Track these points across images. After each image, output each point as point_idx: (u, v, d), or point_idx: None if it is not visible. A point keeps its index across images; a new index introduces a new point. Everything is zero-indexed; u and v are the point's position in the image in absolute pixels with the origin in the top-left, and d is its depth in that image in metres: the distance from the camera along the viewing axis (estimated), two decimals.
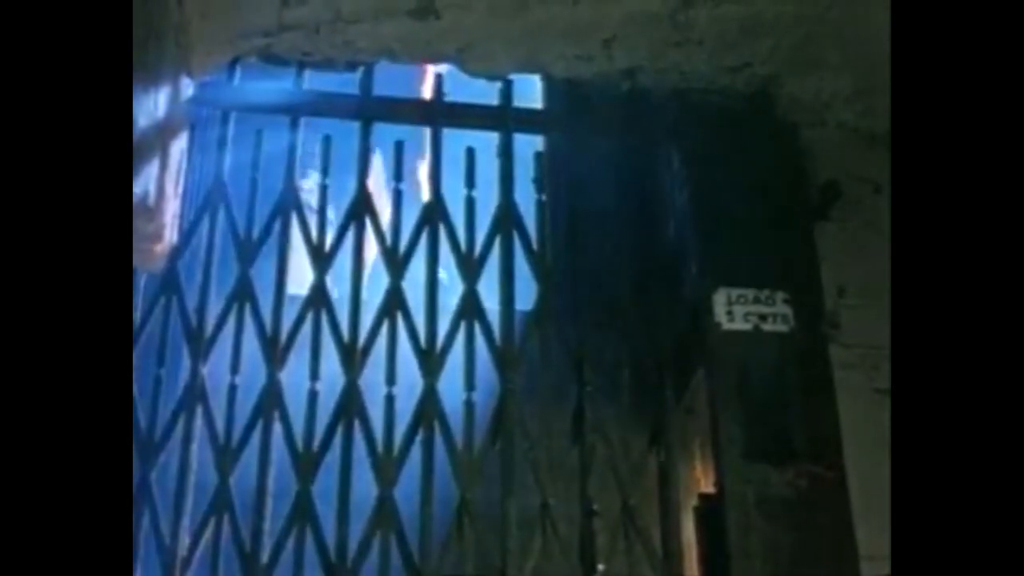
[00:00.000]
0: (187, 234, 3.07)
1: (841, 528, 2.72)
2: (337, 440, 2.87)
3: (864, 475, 2.75)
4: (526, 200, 3.18)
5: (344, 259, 3.06)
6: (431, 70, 3.57)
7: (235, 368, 2.90)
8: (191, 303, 2.97)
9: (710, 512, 2.85)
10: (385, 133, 3.27)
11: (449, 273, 3.25)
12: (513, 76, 3.28)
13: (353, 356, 2.92)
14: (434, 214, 3.09)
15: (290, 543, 2.76)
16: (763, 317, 2.94)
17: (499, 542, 2.78)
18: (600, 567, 2.77)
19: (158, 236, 2.86)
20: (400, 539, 2.78)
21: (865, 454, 2.77)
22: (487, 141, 3.28)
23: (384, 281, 3.05)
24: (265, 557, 2.73)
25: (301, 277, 3.10)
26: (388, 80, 3.31)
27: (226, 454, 2.80)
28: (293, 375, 2.93)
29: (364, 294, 3.05)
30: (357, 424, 2.87)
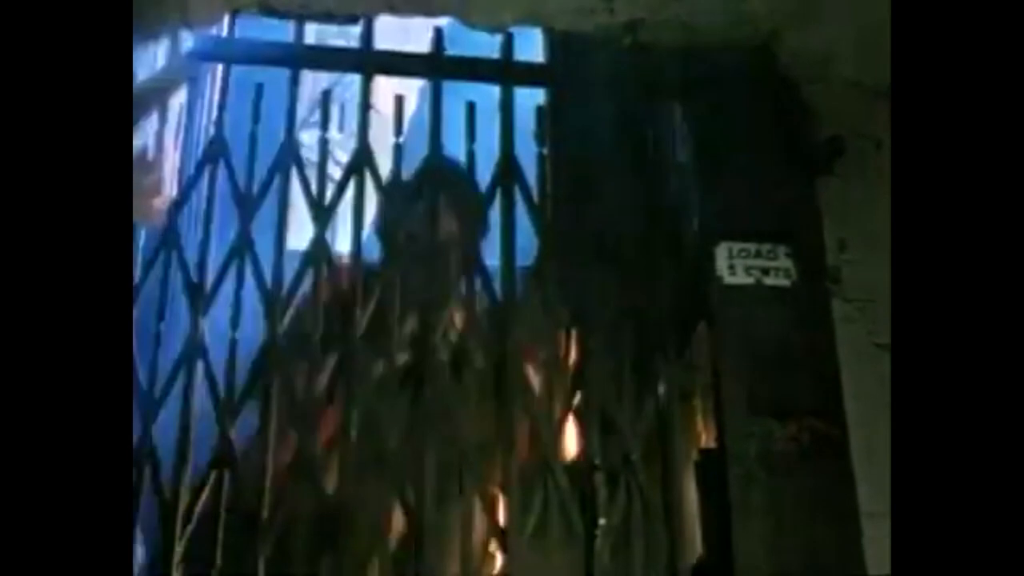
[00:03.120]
0: (187, 188, 3.06)
1: (842, 483, 2.72)
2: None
3: (865, 430, 2.75)
4: (527, 155, 3.16)
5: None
6: None
7: (235, 323, 2.89)
8: (191, 258, 2.96)
9: (711, 467, 2.85)
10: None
11: None
12: (514, 30, 3.26)
13: (352, 308, 2.92)
14: (434, 169, 3.08)
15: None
16: (765, 271, 2.93)
17: (500, 497, 2.78)
18: (601, 521, 2.77)
19: (157, 190, 2.86)
20: (401, 494, 2.78)
21: (866, 409, 2.77)
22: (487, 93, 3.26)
23: None
24: (266, 512, 2.73)
25: (302, 232, 3.08)
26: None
27: (227, 409, 2.80)
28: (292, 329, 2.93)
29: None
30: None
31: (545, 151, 3.17)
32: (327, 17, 3.23)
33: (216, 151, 3.06)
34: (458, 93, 3.21)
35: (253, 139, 3.07)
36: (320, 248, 2.96)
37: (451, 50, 3.27)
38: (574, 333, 3.01)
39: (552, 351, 3.00)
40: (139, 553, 2.91)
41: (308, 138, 3.51)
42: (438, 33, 3.24)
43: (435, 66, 3.24)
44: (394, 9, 3.17)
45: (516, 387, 2.89)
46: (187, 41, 3.07)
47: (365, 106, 3.15)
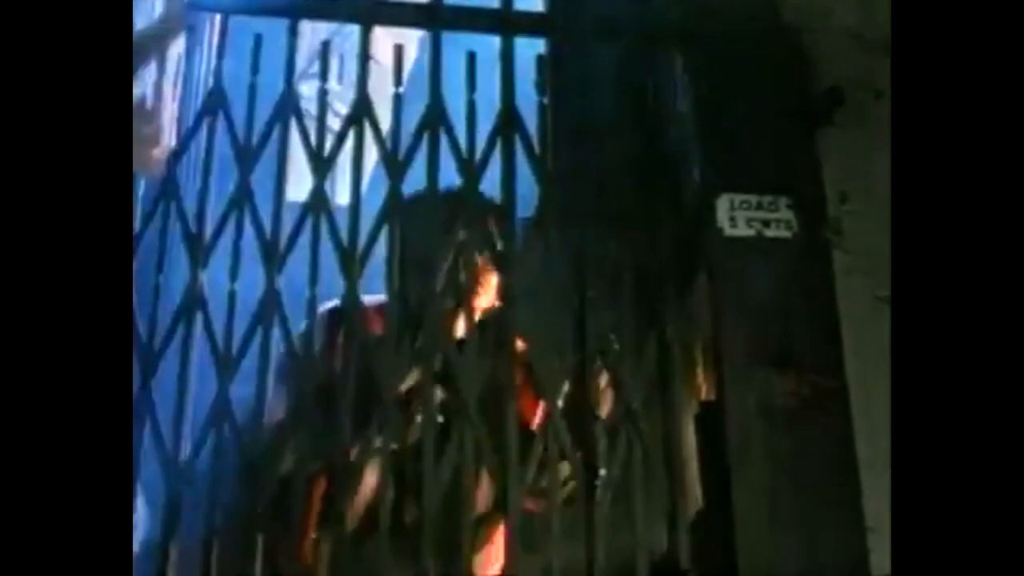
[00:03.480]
0: (186, 139, 3.05)
1: (841, 435, 2.73)
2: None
3: (865, 382, 2.75)
4: (527, 104, 3.14)
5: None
6: None
7: (234, 274, 2.88)
8: (190, 209, 2.95)
9: (711, 419, 2.86)
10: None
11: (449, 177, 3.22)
12: None
13: (352, 262, 2.91)
14: (434, 118, 3.07)
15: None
16: (766, 223, 2.93)
17: (500, 447, 2.78)
18: (601, 472, 2.77)
19: (156, 140, 2.84)
20: (398, 446, 2.78)
21: (866, 361, 2.77)
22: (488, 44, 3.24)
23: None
24: (266, 466, 2.73)
25: (301, 185, 3.07)
26: None
27: (226, 361, 2.80)
28: (292, 281, 2.93)
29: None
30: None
31: (546, 101, 3.15)
32: None
33: (215, 102, 3.04)
34: (458, 43, 3.19)
35: (252, 90, 3.05)
36: (319, 199, 2.94)
37: None
38: (574, 282, 2.99)
39: (552, 300, 2.99)
40: (140, 506, 2.92)
41: (307, 89, 3.49)
42: None
43: (435, 16, 3.22)
44: None
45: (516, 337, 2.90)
46: None
47: (364, 56, 3.13)
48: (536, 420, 2.92)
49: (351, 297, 2.88)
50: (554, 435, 2.79)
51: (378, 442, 2.77)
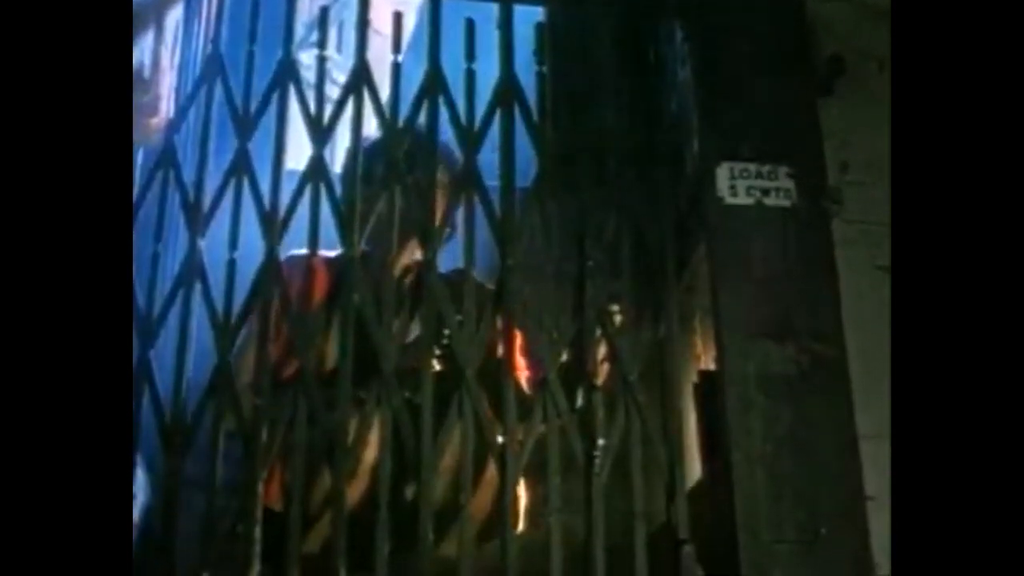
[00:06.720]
0: (183, 108, 3.04)
1: (841, 406, 2.72)
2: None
3: (864, 352, 2.75)
4: (526, 73, 3.13)
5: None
6: None
7: (233, 243, 2.87)
8: (188, 177, 2.94)
9: (710, 389, 2.85)
10: None
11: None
12: None
13: (351, 230, 2.90)
14: (434, 86, 3.06)
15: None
16: (766, 192, 2.92)
17: (499, 418, 2.77)
18: (600, 442, 2.77)
19: (154, 109, 2.83)
20: (397, 417, 2.78)
21: (866, 331, 2.77)
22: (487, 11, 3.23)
23: None
24: (265, 435, 2.72)
25: (300, 154, 3.06)
26: None
27: (225, 331, 2.79)
28: (291, 249, 2.93)
29: None
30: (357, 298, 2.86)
31: (545, 69, 3.13)
32: None
33: (213, 70, 3.02)
34: (457, 11, 3.17)
35: (250, 58, 3.03)
36: (318, 168, 2.93)
37: None
38: (574, 252, 2.98)
39: (551, 270, 2.98)
40: (139, 476, 2.92)
41: (306, 58, 3.48)
42: None
43: None
44: None
45: (515, 309, 2.89)
46: None
47: (363, 23, 3.11)
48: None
49: (351, 264, 2.87)
50: (551, 400, 2.78)
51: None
